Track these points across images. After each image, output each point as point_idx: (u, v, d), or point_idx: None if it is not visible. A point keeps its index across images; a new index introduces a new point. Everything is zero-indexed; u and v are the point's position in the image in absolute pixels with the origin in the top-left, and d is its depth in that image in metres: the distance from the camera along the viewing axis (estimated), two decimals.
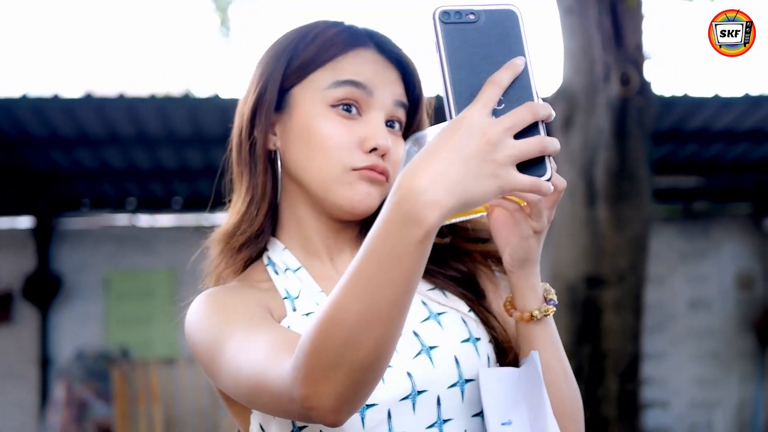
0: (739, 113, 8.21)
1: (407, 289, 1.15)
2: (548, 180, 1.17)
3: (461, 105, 1.16)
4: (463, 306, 1.59)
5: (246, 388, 1.38)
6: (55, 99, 7.47)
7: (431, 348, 1.50)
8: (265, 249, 1.66)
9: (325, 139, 1.55)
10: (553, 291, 1.48)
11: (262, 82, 1.62)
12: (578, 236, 5.82)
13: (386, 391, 1.44)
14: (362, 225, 1.65)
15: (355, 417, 1.43)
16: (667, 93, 7.83)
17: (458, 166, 1.12)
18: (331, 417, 1.22)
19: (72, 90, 9.08)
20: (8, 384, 9.82)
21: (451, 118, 1.16)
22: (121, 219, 10.11)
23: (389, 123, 1.60)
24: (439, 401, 1.48)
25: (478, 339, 1.54)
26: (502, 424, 1.45)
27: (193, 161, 8.87)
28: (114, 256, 9.99)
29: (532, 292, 1.45)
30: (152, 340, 9.95)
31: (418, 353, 1.49)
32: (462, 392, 1.50)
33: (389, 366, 1.45)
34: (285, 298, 1.57)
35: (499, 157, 1.13)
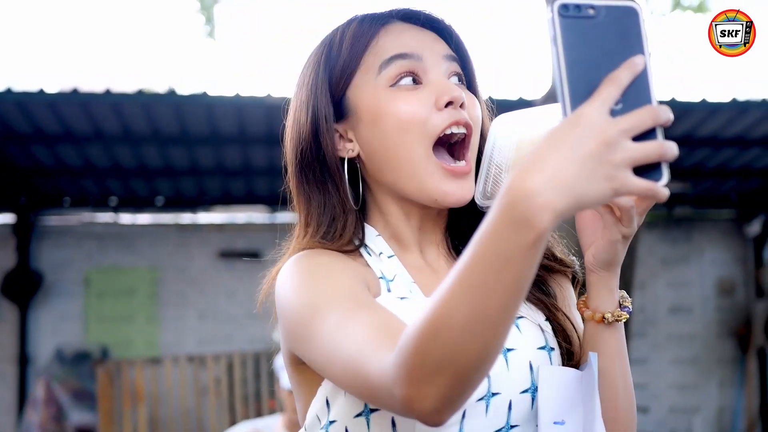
0: (726, 119, 8.23)
1: (518, 293, 1.10)
2: (664, 185, 1.13)
3: (577, 101, 1.11)
4: (540, 315, 1.58)
5: (341, 370, 1.33)
6: (40, 94, 7.41)
7: (508, 350, 1.48)
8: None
9: (399, 114, 1.53)
10: (629, 299, 1.48)
11: (311, 102, 1.59)
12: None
13: None
14: (450, 215, 1.65)
15: None
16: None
17: (574, 166, 1.06)
18: (434, 418, 1.18)
19: (57, 85, 9.02)
20: None
21: (566, 114, 1.11)
22: (103, 217, 10.05)
23: (449, 77, 1.59)
24: (511, 406, 1.46)
25: (552, 349, 1.53)
26: (555, 423, 1.45)
27: (177, 160, 8.82)
28: (95, 254, 9.93)
29: (609, 294, 1.46)
30: (133, 339, 9.90)
31: None
32: (532, 399, 1.48)
33: None
34: (380, 278, 1.55)
35: (616, 158, 1.07)
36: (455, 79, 1.59)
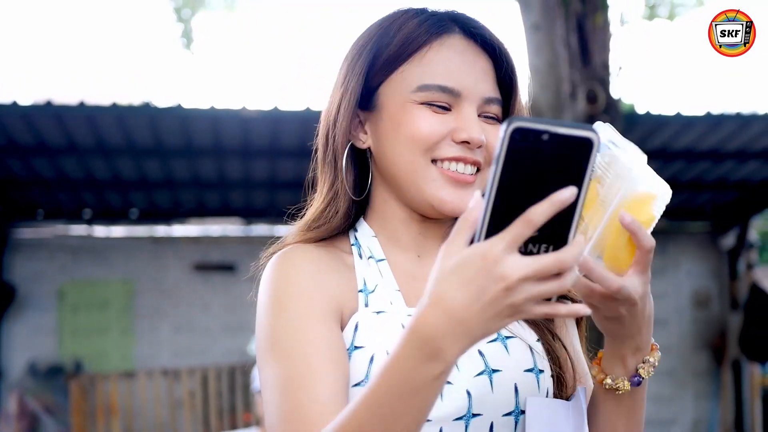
0: (700, 132, 8.27)
1: (422, 417, 1.19)
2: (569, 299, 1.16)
3: (491, 231, 1.12)
4: (531, 335, 1.55)
5: (268, 415, 1.43)
6: (13, 105, 7.36)
7: (494, 371, 1.47)
8: (351, 227, 1.65)
9: (415, 131, 1.53)
10: (650, 366, 1.41)
11: (346, 82, 1.60)
12: None
13: (442, 408, 1.42)
14: (452, 222, 1.62)
15: None
16: (630, 109, 7.88)
17: (478, 312, 1.12)
18: None
19: (31, 97, 8.96)
20: None
21: (478, 239, 1.13)
22: (77, 229, 9.99)
23: (484, 116, 1.58)
24: (492, 427, 1.46)
25: (541, 371, 1.51)
26: None
27: (152, 172, 8.78)
28: (69, 266, 9.86)
29: (617, 361, 1.41)
30: (107, 352, 9.83)
31: (480, 373, 1.46)
32: (516, 422, 1.48)
33: (449, 383, 1.43)
34: (360, 290, 1.55)
35: (517, 300, 1.11)
36: (491, 117, 1.58)
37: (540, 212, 1.09)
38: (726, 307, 10.41)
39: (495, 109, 1.58)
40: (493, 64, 1.60)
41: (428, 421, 1.41)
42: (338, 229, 1.62)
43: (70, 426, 9.18)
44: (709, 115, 7.96)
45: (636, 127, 7.99)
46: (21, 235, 9.84)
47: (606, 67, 5.53)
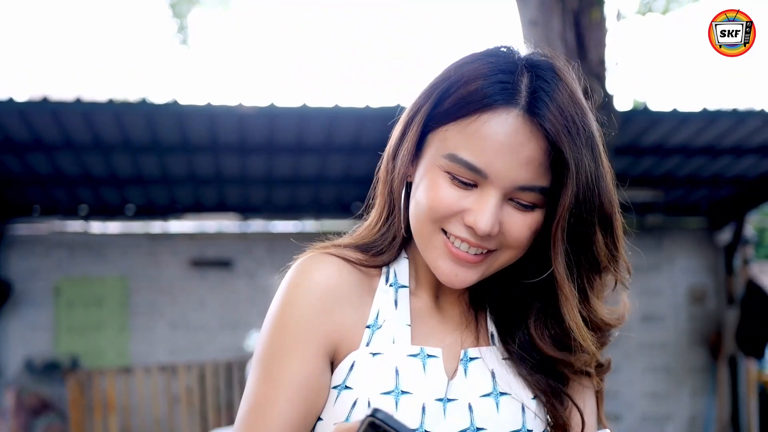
0: (696, 128, 8.29)
1: None
2: None
3: None
4: (527, 393, 1.53)
5: (236, 423, 1.52)
6: (10, 102, 7.35)
7: (478, 430, 1.47)
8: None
9: (429, 198, 1.48)
10: None
11: (410, 115, 1.55)
12: None
13: None
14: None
15: None
16: (627, 107, 7.88)
17: None
18: None
19: (26, 94, 8.95)
20: None
21: None
22: (73, 225, 9.98)
23: (516, 201, 1.48)
24: None
25: (529, 431, 1.50)
26: None
27: (148, 168, 8.78)
28: (65, 263, 9.85)
29: None
30: (103, 349, 9.83)
31: (464, 430, 1.47)
32: None
33: None
34: (368, 326, 1.54)
35: None
36: (520, 204, 1.48)
37: None
38: (722, 303, 10.42)
39: (531, 197, 1.47)
40: (549, 147, 1.45)
41: None
42: (382, 264, 1.60)
43: (67, 422, 9.18)
44: (705, 111, 7.97)
45: (632, 123, 8.00)
46: (17, 231, 9.83)
47: (602, 62, 5.52)
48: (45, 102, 7.41)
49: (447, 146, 1.47)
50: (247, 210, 9.94)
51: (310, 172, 8.95)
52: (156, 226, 10.15)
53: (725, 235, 10.33)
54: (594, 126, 1.53)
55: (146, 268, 9.91)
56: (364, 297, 1.56)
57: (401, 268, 1.60)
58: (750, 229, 10.77)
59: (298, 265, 1.56)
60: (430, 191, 1.48)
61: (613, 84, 5.71)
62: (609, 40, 5.60)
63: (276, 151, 8.42)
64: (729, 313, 10.26)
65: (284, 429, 1.46)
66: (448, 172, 1.47)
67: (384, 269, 1.60)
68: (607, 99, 5.55)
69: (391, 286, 1.58)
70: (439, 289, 1.61)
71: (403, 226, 1.58)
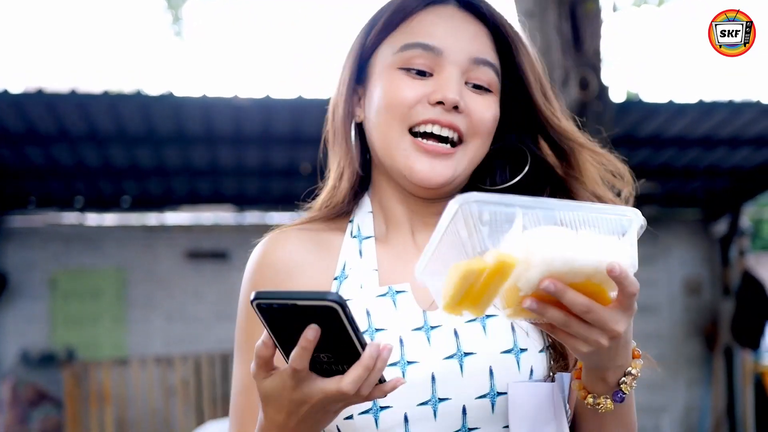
0: (692, 120, 8.28)
1: None
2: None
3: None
4: None
5: (230, 412, 1.62)
6: (5, 94, 7.33)
7: (466, 354, 1.45)
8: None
9: (390, 96, 1.50)
10: (632, 378, 1.38)
11: (345, 60, 1.59)
12: None
13: (404, 393, 1.40)
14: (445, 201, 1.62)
15: (369, 419, 1.41)
16: (622, 98, 7.88)
17: (297, 424, 1.29)
18: None
19: (21, 85, 8.93)
20: None
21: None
22: (69, 217, 9.97)
23: (472, 84, 1.52)
24: (465, 410, 1.44)
25: (523, 350, 1.47)
26: None
27: (144, 160, 8.76)
28: (61, 255, 9.85)
29: (598, 379, 1.36)
30: (100, 341, 9.83)
31: (451, 356, 1.44)
32: (492, 404, 1.45)
33: (415, 362, 1.43)
34: (335, 278, 1.56)
35: (325, 410, 1.27)
36: (482, 85, 1.53)
37: (296, 354, 1.20)
38: (718, 294, 10.43)
39: (487, 75, 1.53)
40: (489, 31, 1.56)
41: (389, 407, 1.42)
42: (342, 207, 1.62)
43: (63, 413, 9.18)
44: (701, 103, 7.96)
45: (628, 114, 8.00)
46: (12, 223, 9.82)
47: (598, 54, 5.53)
48: (40, 93, 7.39)
49: (396, 45, 1.52)
50: (242, 201, 9.93)
51: (305, 162, 8.94)
52: (152, 218, 10.14)
53: (721, 227, 10.34)
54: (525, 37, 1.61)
55: (142, 260, 9.90)
56: (327, 254, 1.58)
57: (365, 221, 1.61)
58: (746, 221, 10.79)
59: (255, 250, 1.61)
60: (387, 93, 1.50)
61: (608, 75, 5.72)
62: (604, 31, 5.61)
63: (271, 143, 8.41)
64: (725, 304, 10.27)
65: None
66: (401, 68, 1.50)
67: (348, 225, 1.61)
68: (603, 90, 5.55)
69: (354, 237, 1.59)
70: (414, 226, 1.60)
71: (358, 164, 1.60)
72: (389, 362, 1.40)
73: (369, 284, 1.53)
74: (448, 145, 1.50)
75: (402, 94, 1.49)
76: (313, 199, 1.70)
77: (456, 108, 1.49)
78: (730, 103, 8.00)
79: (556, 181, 1.60)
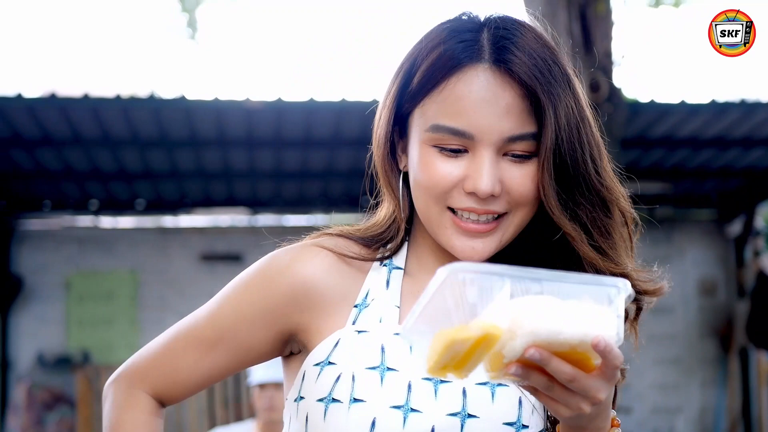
0: (705, 120, 8.26)
1: None
2: None
3: None
4: None
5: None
6: (18, 98, 7.37)
7: (470, 416, 1.44)
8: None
9: (425, 177, 1.45)
10: None
11: (383, 107, 1.54)
12: None
13: None
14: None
15: None
16: (634, 99, 7.87)
17: None
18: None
19: (35, 89, 8.97)
20: None
21: None
22: (83, 220, 10.00)
23: (511, 154, 1.45)
24: None
25: (525, 426, 1.46)
26: None
27: (157, 163, 8.79)
28: (75, 257, 9.88)
29: None
30: (114, 343, 9.85)
31: (454, 414, 1.43)
32: None
33: (418, 411, 1.42)
34: (356, 305, 1.53)
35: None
36: (516, 157, 1.45)
37: None
38: (733, 295, 10.39)
39: (524, 146, 1.44)
40: (525, 91, 1.43)
41: None
42: (382, 257, 1.58)
43: (76, 417, 9.21)
44: (713, 103, 7.95)
45: (640, 115, 7.98)
46: (27, 226, 9.86)
47: (609, 55, 5.52)
48: (53, 98, 7.44)
49: (427, 120, 1.45)
50: (256, 204, 9.95)
51: (318, 165, 8.95)
52: (166, 221, 10.17)
53: (735, 227, 10.30)
54: (567, 64, 1.49)
55: (156, 262, 9.93)
56: (353, 278, 1.55)
57: (400, 249, 1.58)
58: (760, 221, 10.74)
59: (292, 248, 1.58)
60: (423, 170, 1.45)
61: (619, 76, 5.72)
62: (615, 32, 5.60)
63: (284, 146, 8.43)
64: (739, 305, 10.23)
65: (188, 372, 1.59)
66: (434, 146, 1.45)
67: (381, 249, 1.58)
68: (614, 92, 5.55)
69: (384, 266, 1.56)
70: None
71: (404, 217, 1.56)
72: (393, 404, 1.41)
73: (389, 320, 1.51)
74: (490, 218, 1.46)
75: (437, 177, 1.44)
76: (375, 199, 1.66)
77: (492, 195, 1.44)
78: (743, 103, 7.98)
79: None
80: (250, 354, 1.58)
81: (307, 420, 1.48)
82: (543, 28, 1.52)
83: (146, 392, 1.62)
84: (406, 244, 1.58)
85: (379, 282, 1.55)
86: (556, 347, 1.16)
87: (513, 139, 1.43)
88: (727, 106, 7.99)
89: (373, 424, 1.41)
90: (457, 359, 1.18)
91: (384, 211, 1.60)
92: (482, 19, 1.49)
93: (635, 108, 7.76)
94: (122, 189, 9.53)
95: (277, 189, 9.58)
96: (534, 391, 1.23)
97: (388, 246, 1.57)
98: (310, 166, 8.94)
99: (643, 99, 8.11)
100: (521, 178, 1.45)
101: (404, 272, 1.56)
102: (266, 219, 10.17)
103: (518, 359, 1.16)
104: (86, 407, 9.10)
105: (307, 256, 1.55)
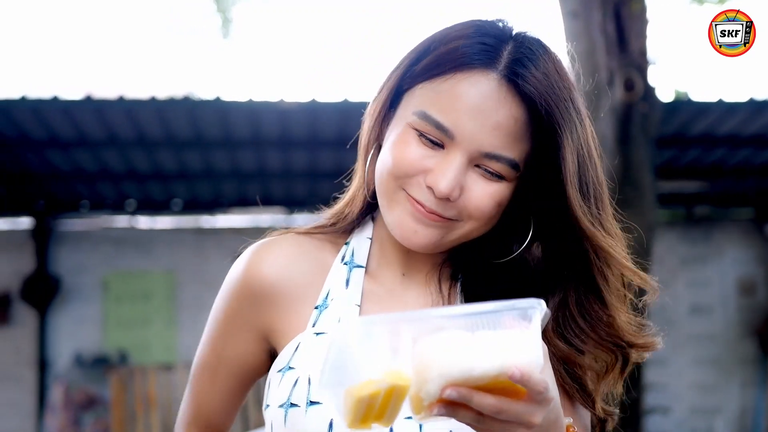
0: (743, 118, 8.19)
1: None
2: None
3: None
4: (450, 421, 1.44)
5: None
6: (55, 100, 7.43)
7: None
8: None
9: (396, 154, 1.44)
10: None
11: (385, 81, 1.54)
12: None
13: None
14: (449, 253, 1.55)
15: None
16: (670, 98, 7.81)
17: None
18: None
19: (71, 92, 9.04)
20: (5, 386, 9.78)
21: None
22: (120, 221, 10.08)
23: (483, 168, 1.43)
24: None
25: None
26: None
27: (193, 163, 8.84)
28: (113, 257, 9.95)
29: None
30: (150, 343, 9.92)
31: (410, 417, 1.37)
32: None
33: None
34: (316, 306, 1.53)
35: None
36: (487, 172, 1.43)
37: None
38: None
39: (498, 167, 1.42)
40: (526, 116, 1.41)
41: None
42: (349, 226, 1.60)
43: (110, 418, 9.27)
44: (752, 101, 7.88)
45: (677, 113, 7.92)
46: (65, 227, 9.95)
47: (643, 54, 5.46)
48: (89, 100, 7.49)
49: (418, 103, 1.44)
50: (291, 204, 9.98)
51: (353, 165, 8.96)
52: (202, 221, 10.22)
53: None
54: (582, 104, 1.47)
55: (193, 262, 9.98)
56: (315, 278, 1.56)
57: (361, 247, 1.58)
58: None
59: (248, 250, 1.63)
60: (396, 147, 1.44)
61: (655, 75, 5.66)
62: (650, 31, 5.55)
63: (318, 146, 8.44)
64: None
65: (212, 391, 1.66)
66: (416, 129, 1.43)
67: (343, 248, 1.58)
68: (649, 91, 5.50)
69: (345, 264, 1.56)
70: (405, 267, 1.56)
71: (368, 189, 1.56)
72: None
73: (346, 319, 1.50)
74: (442, 217, 1.45)
75: (407, 159, 1.43)
76: (335, 200, 1.68)
77: (448, 198, 1.42)
78: None
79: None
80: (247, 367, 1.62)
81: (272, 428, 1.48)
82: (571, 66, 1.50)
83: (200, 429, 1.72)
84: (368, 240, 1.58)
85: (339, 281, 1.55)
86: (474, 381, 1.13)
87: (489, 156, 1.41)
88: (765, 104, 7.92)
89: (331, 425, 1.41)
90: (373, 412, 1.16)
91: (350, 194, 1.63)
92: (513, 32, 1.46)
93: (672, 107, 7.70)
94: (158, 190, 9.59)
95: (312, 188, 9.60)
96: (468, 423, 1.19)
97: (351, 222, 1.59)
98: (345, 165, 8.95)
99: (680, 97, 8.04)
100: (482, 193, 1.43)
101: (365, 270, 1.56)
102: (302, 218, 10.20)
103: (438, 399, 1.14)
104: (120, 409, 9.16)
105: (266, 254, 1.60)
